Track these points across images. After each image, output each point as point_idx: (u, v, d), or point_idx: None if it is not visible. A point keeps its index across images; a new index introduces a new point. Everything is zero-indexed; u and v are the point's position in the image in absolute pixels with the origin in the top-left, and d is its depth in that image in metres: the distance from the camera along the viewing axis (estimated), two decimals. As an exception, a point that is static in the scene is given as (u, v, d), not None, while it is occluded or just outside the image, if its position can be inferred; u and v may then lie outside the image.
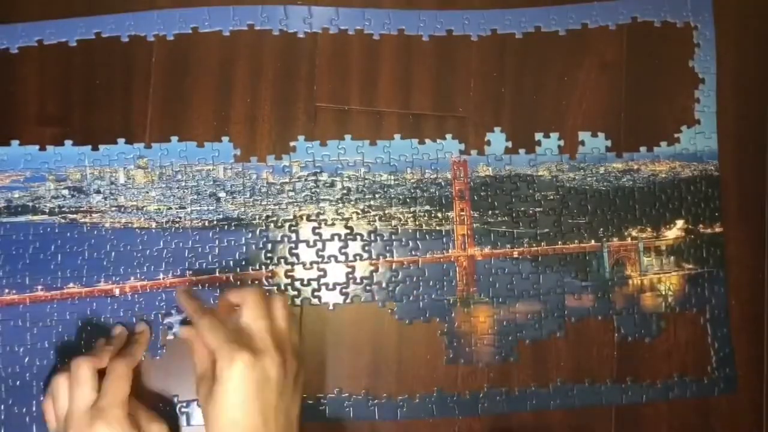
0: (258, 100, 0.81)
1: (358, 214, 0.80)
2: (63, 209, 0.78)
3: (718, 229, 0.83)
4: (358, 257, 0.80)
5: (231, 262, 0.79)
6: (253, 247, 0.79)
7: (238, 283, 0.78)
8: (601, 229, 0.82)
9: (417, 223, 0.81)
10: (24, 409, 0.75)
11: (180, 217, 0.79)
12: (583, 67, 0.84)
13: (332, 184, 0.81)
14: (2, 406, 0.75)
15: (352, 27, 0.82)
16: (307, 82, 0.81)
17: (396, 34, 0.83)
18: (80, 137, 0.79)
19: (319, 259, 0.80)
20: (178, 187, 0.80)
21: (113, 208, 0.79)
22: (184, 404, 0.76)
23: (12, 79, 0.79)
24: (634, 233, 0.82)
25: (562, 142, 0.83)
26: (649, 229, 0.83)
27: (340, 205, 0.80)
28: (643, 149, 0.83)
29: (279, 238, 0.79)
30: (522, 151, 0.82)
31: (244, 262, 0.79)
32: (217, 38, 0.81)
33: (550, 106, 0.83)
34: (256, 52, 0.81)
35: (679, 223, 0.83)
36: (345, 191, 0.81)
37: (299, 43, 0.82)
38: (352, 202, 0.81)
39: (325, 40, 0.82)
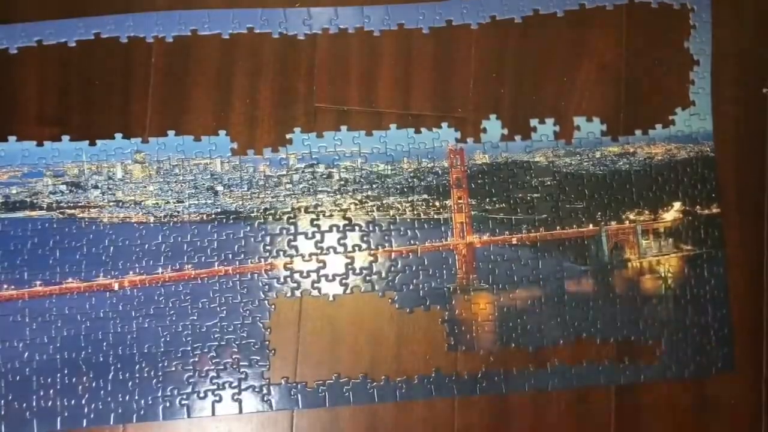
0: (257, 101, 0.81)
1: (356, 204, 0.81)
2: (61, 204, 0.78)
3: (715, 210, 0.83)
4: (357, 248, 0.80)
5: (230, 255, 0.79)
6: (252, 239, 0.79)
7: (238, 275, 0.78)
8: (599, 213, 0.82)
9: (415, 212, 0.81)
10: (24, 404, 0.75)
11: (178, 211, 0.79)
12: (581, 51, 0.85)
13: (329, 176, 0.81)
14: (2, 402, 0.74)
15: (351, 25, 0.83)
16: (306, 84, 0.82)
17: (396, 29, 0.83)
18: (78, 134, 0.79)
19: (318, 251, 0.80)
20: (175, 181, 0.80)
21: (111, 203, 0.79)
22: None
23: (11, 80, 0.80)
24: (631, 216, 0.82)
25: (557, 128, 0.83)
26: (646, 212, 0.83)
27: (338, 196, 0.81)
28: (638, 132, 0.84)
29: (277, 231, 0.79)
30: (518, 137, 0.83)
31: (243, 255, 0.79)
32: (216, 41, 0.82)
33: (546, 92, 0.84)
34: (255, 55, 0.82)
35: (677, 205, 0.83)
36: (342, 182, 0.81)
37: (299, 45, 0.82)
38: (350, 193, 0.81)
39: (324, 40, 0.83)
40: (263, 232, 0.79)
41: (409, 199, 0.81)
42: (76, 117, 0.80)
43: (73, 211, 0.78)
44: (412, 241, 0.80)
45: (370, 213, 0.81)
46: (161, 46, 0.81)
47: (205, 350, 0.77)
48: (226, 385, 0.77)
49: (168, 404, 0.76)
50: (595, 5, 0.85)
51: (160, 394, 0.76)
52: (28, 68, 0.80)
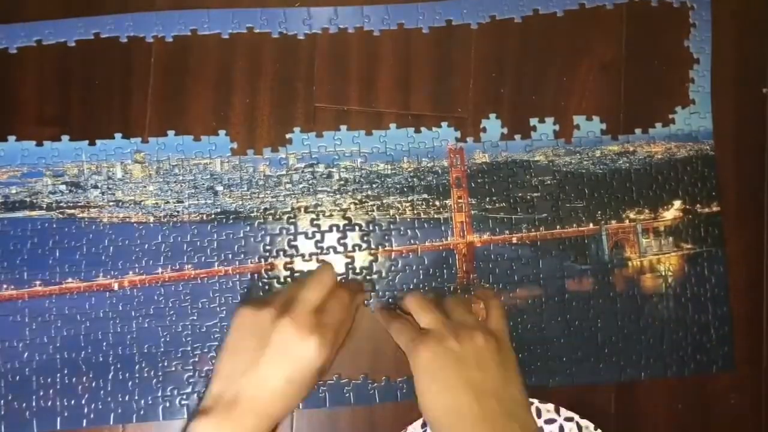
0: (257, 101, 0.81)
1: (355, 204, 0.81)
2: (60, 204, 0.78)
3: (715, 209, 0.83)
4: (357, 248, 0.80)
5: (230, 255, 0.78)
6: (252, 239, 0.79)
7: (238, 276, 0.78)
8: (599, 212, 0.82)
9: (415, 211, 0.81)
10: (24, 404, 0.74)
11: (178, 211, 0.79)
12: (581, 51, 0.85)
13: (329, 175, 0.81)
14: (2, 402, 0.74)
15: (351, 25, 0.83)
16: (306, 83, 0.82)
17: (396, 29, 0.83)
18: (78, 134, 0.79)
19: (318, 251, 0.79)
20: (175, 181, 0.80)
21: (111, 203, 0.79)
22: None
23: (11, 80, 0.80)
24: (632, 215, 0.82)
25: (557, 127, 0.83)
26: (646, 211, 0.83)
27: (338, 196, 0.81)
28: (638, 131, 0.84)
29: (277, 231, 0.79)
30: (518, 136, 0.82)
31: (242, 255, 0.79)
32: (216, 40, 0.82)
33: (547, 92, 0.84)
34: (255, 55, 0.82)
35: (677, 203, 0.83)
36: (342, 182, 0.81)
37: (298, 45, 0.82)
38: (350, 193, 0.81)
39: (324, 40, 0.82)
40: (263, 232, 0.79)
41: (409, 198, 0.81)
42: (76, 118, 0.80)
43: (72, 211, 0.78)
44: (412, 241, 0.80)
45: (370, 213, 0.81)
46: (161, 45, 0.81)
47: (205, 350, 0.77)
48: (226, 385, 0.77)
49: (168, 404, 0.76)
50: (595, 5, 0.85)
51: (160, 394, 0.76)
52: (28, 68, 0.80)
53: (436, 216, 0.81)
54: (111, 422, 0.75)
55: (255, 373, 0.62)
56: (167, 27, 0.81)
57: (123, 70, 0.81)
